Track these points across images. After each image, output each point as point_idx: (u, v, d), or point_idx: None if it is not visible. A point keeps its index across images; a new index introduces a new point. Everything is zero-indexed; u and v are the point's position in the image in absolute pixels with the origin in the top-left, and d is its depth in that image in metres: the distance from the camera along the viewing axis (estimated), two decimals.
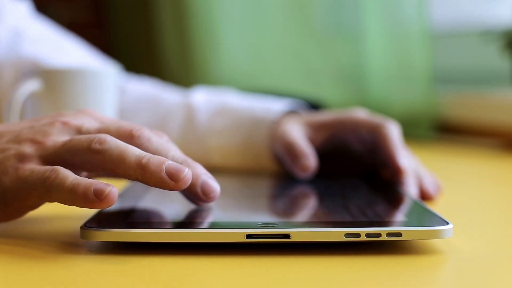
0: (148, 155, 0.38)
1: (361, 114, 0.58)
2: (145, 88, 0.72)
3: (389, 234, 0.35)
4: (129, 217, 0.39)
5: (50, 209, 0.46)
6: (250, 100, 0.67)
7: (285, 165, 0.59)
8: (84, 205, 0.36)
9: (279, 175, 0.61)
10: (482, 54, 1.08)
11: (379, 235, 0.35)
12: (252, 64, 1.29)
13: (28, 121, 0.42)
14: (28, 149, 0.39)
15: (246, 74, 1.28)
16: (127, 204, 0.43)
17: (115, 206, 0.42)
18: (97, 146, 0.38)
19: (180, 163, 0.39)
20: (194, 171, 0.39)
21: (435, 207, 0.48)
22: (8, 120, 0.59)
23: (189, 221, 0.39)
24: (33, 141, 0.39)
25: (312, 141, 0.58)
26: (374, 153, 0.56)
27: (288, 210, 0.46)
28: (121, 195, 0.45)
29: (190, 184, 0.38)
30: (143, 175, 0.37)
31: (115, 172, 0.38)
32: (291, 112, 0.64)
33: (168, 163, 0.37)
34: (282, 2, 1.22)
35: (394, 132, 0.55)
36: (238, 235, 0.35)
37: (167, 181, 0.37)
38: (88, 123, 0.41)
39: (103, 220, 0.38)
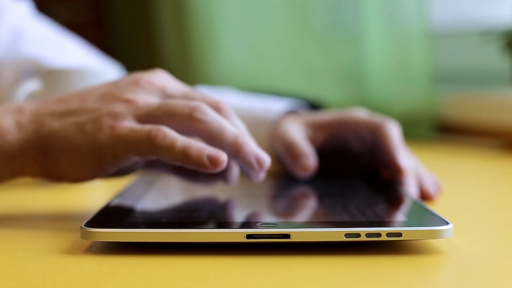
0: (243, 134, 0.41)
1: (361, 114, 0.58)
2: None
3: (389, 234, 0.35)
4: (129, 217, 0.39)
5: (50, 209, 0.46)
6: (250, 100, 0.67)
7: (285, 165, 0.59)
8: (195, 167, 0.39)
9: (279, 175, 0.60)
10: (482, 54, 1.08)
11: (379, 235, 0.35)
12: (252, 64, 1.29)
13: (107, 83, 0.43)
14: (120, 107, 0.40)
15: (246, 74, 1.28)
16: (127, 204, 0.43)
17: (115, 206, 0.42)
18: (198, 115, 0.40)
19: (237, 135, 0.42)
20: (250, 143, 0.42)
21: (435, 207, 0.48)
22: None
23: (189, 221, 0.39)
24: (124, 100, 0.40)
25: (312, 141, 0.58)
26: (374, 153, 0.56)
27: (288, 210, 0.46)
28: (121, 195, 0.45)
29: (247, 155, 0.41)
30: (237, 152, 0.41)
31: (210, 142, 0.40)
32: (291, 112, 0.64)
33: (257, 150, 0.41)
34: (282, 2, 1.22)
35: (394, 131, 0.55)
36: (238, 235, 0.35)
37: (254, 165, 0.41)
38: (171, 87, 0.43)
39: (103, 220, 0.38)
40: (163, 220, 0.39)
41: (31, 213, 0.45)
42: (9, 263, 0.35)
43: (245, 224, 0.37)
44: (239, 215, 0.43)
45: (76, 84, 0.60)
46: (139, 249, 0.36)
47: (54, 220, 0.44)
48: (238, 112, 0.64)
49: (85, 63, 0.70)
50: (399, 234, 0.35)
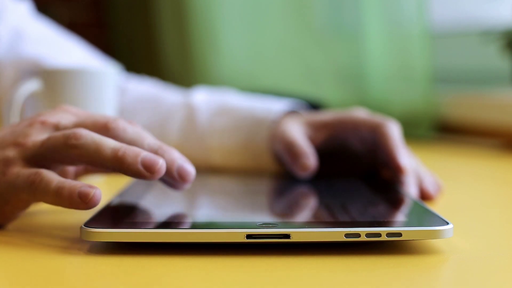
0: (124, 147, 0.39)
1: (361, 113, 0.58)
2: (145, 88, 0.72)
3: (389, 234, 0.35)
4: (129, 217, 0.39)
5: (50, 209, 0.46)
6: (250, 100, 0.67)
7: (285, 164, 0.59)
8: (70, 207, 0.38)
9: (279, 175, 0.61)
10: (482, 54, 1.08)
11: (379, 235, 0.35)
12: (252, 64, 1.29)
13: (10, 126, 0.44)
14: (11, 153, 0.40)
15: (246, 74, 1.28)
16: (127, 204, 0.43)
17: (115, 206, 0.42)
18: (73, 141, 0.39)
19: (156, 150, 0.41)
20: (169, 157, 0.41)
21: (435, 207, 0.48)
22: (8, 120, 0.59)
23: (189, 221, 0.39)
24: (15, 144, 0.41)
25: (312, 141, 0.58)
26: (374, 153, 0.56)
27: (288, 210, 0.46)
28: (121, 195, 0.45)
29: (167, 169, 0.40)
30: (120, 167, 0.39)
31: (93, 164, 0.40)
32: (292, 112, 0.64)
33: (144, 154, 0.39)
34: (282, 2, 1.22)
35: (394, 131, 0.55)
36: (238, 235, 0.35)
37: (143, 172, 0.39)
38: (65, 119, 0.42)
39: (103, 220, 0.38)
40: (163, 220, 0.39)
41: (31, 213, 0.45)
42: (9, 263, 0.35)
43: (245, 224, 0.37)
44: (239, 215, 0.43)
45: (76, 84, 0.60)
46: (139, 249, 0.36)
47: (54, 220, 0.44)
48: (239, 112, 0.65)
49: (85, 63, 0.70)
50: (399, 234, 0.35)
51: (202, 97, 0.68)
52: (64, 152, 0.39)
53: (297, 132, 0.58)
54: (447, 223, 0.36)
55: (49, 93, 0.60)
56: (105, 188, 0.56)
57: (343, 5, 1.18)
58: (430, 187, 0.53)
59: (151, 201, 0.44)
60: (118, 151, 0.39)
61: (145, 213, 0.41)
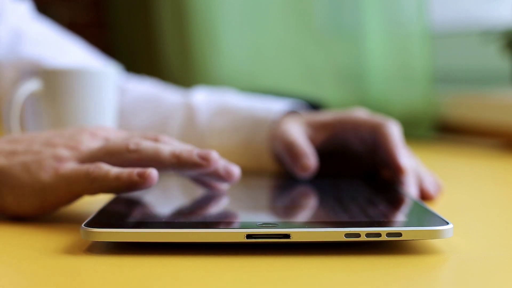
0: (179, 147, 0.44)
1: (361, 114, 0.58)
2: (145, 88, 0.72)
3: (389, 234, 0.35)
4: (129, 217, 0.39)
5: None
6: (250, 100, 0.67)
7: (285, 164, 0.59)
8: (129, 188, 0.41)
9: (279, 175, 0.60)
10: (482, 54, 1.08)
11: (379, 235, 0.35)
12: (252, 64, 1.29)
13: (53, 131, 0.47)
14: (64, 152, 0.43)
15: (246, 74, 1.28)
16: (127, 204, 0.43)
17: (115, 206, 0.42)
18: (133, 147, 0.43)
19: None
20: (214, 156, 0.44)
21: (435, 207, 0.48)
22: (8, 120, 0.59)
23: (189, 221, 0.39)
24: (68, 146, 0.44)
25: (313, 141, 0.58)
26: (374, 153, 0.56)
27: (288, 210, 0.46)
28: (121, 195, 0.45)
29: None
30: (179, 162, 0.43)
31: (153, 165, 0.43)
32: (292, 112, 0.64)
33: (196, 150, 0.44)
34: (282, 2, 1.22)
35: (394, 131, 0.55)
36: (238, 235, 0.35)
37: (201, 162, 0.43)
38: (114, 134, 0.47)
39: (103, 220, 0.38)
40: (163, 220, 0.39)
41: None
42: (9, 263, 0.35)
43: (245, 224, 0.37)
44: (239, 215, 0.43)
45: (76, 84, 0.60)
46: (139, 249, 0.36)
47: (54, 220, 0.44)
48: (239, 112, 0.65)
49: (85, 63, 0.70)
50: (399, 234, 0.35)
51: (202, 97, 0.68)
52: (125, 156, 0.43)
53: (297, 132, 0.58)
54: (447, 223, 0.36)
55: (49, 93, 0.60)
56: None
57: (343, 5, 1.18)
58: (430, 187, 0.53)
59: (151, 201, 0.44)
60: (174, 151, 0.43)
61: (145, 213, 0.41)
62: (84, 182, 0.41)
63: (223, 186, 0.47)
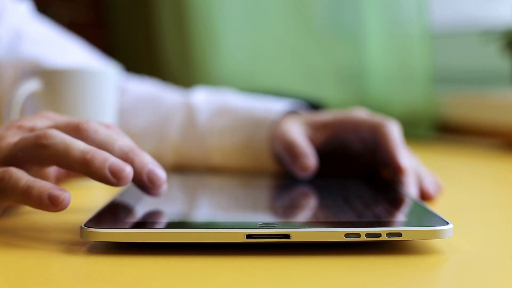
0: (93, 150, 0.39)
1: (361, 114, 0.58)
2: (145, 88, 0.72)
3: (389, 234, 0.35)
4: (129, 217, 0.39)
5: None
6: (250, 100, 0.67)
7: (285, 164, 0.59)
8: (38, 208, 0.38)
9: (279, 175, 0.61)
10: (482, 54, 1.08)
11: (379, 235, 0.35)
12: (252, 64, 1.29)
13: None
14: None
15: (246, 74, 1.28)
16: (127, 204, 0.43)
17: (115, 206, 0.42)
18: (43, 141, 0.39)
19: (127, 153, 0.40)
20: (140, 161, 0.40)
21: (435, 207, 0.48)
22: (8, 120, 0.59)
23: (189, 221, 0.39)
24: None
25: (312, 141, 0.58)
26: (374, 153, 0.56)
27: (288, 210, 0.46)
28: (121, 195, 0.45)
29: (137, 173, 0.40)
30: (87, 170, 0.39)
31: (61, 165, 0.39)
32: (292, 112, 0.64)
33: (112, 160, 0.39)
34: (282, 2, 1.22)
35: (394, 131, 0.55)
36: (238, 235, 0.35)
37: (109, 178, 0.39)
38: (41, 123, 0.43)
39: (103, 220, 0.38)
40: (163, 220, 0.39)
41: (30, 212, 0.45)
42: (9, 263, 0.34)
43: (245, 224, 0.37)
44: (239, 215, 0.43)
45: (76, 84, 0.60)
46: (139, 249, 0.36)
47: (54, 220, 0.44)
48: (239, 112, 0.65)
49: (85, 63, 0.70)
50: (399, 234, 0.35)
51: (202, 97, 0.68)
52: (34, 152, 0.39)
53: (297, 132, 0.58)
54: (447, 223, 0.36)
55: (49, 93, 0.60)
56: (105, 188, 0.56)
57: (343, 5, 1.18)
58: (430, 187, 0.53)
59: (151, 201, 0.44)
60: (87, 153, 0.39)
61: (145, 213, 0.41)
62: None
63: (154, 192, 0.42)
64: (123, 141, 0.41)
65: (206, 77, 1.31)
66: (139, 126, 0.67)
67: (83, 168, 0.39)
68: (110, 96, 0.62)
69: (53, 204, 0.37)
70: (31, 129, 0.42)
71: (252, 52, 1.29)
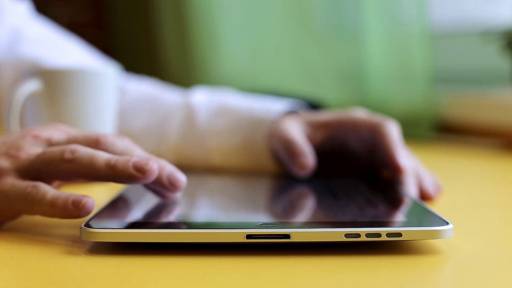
0: (116, 156, 0.41)
1: (360, 114, 0.58)
2: (145, 88, 0.72)
3: (389, 234, 0.35)
4: (129, 217, 0.39)
5: None
6: (250, 100, 0.67)
7: (283, 163, 0.59)
8: (64, 216, 0.39)
9: (279, 175, 0.60)
10: (482, 54, 1.08)
11: (379, 235, 0.35)
12: (252, 64, 1.29)
13: (0, 137, 0.44)
14: (4, 163, 0.41)
15: (246, 74, 1.28)
16: (127, 204, 0.43)
17: (115, 206, 0.42)
18: (69, 155, 0.41)
19: (146, 158, 0.42)
20: (160, 163, 0.42)
21: (435, 207, 0.48)
22: (8, 120, 0.59)
23: (189, 222, 0.39)
24: (8, 155, 0.42)
25: (311, 140, 0.58)
26: (373, 153, 0.56)
27: (288, 210, 0.46)
28: (121, 195, 0.45)
29: (157, 176, 0.41)
30: (113, 174, 0.40)
31: (87, 177, 0.41)
32: (291, 112, 0.64)
33: (134, 159, 0.41)
34: (282, 2, 1.22)
35: (393, 131, 0.55)
36: (238, 235, 0.35)
37: (136, 174, 0.40)
38: (57, 135, 0.44)
39: (103, 220, 0.38)
40: (163, 220, 0.39)
41: None
42: (9, 263, 0.35)
43: (245, 224, 0.37)
44: (239, 215, 0.43)
45: (75, 84, 0.60)
46: (139, 249, 0.36)
47: (54, 220, 0.44)
48: (238, 113, 0.65)
49: (84, 63, 0.70)
50: (399, 234, 0.35)
51: (201, 98, 0.68)
52: (60, 166, 0.41)
53: (296, 131, 0.58)
54: (447, 223, 0.36)
55: (48, 93, 0.60)
56: (105, 188, 0.56)
57: (343, 5, 1.18)
58: (429, 187, 0.53)
59: (151, 201, 0.44)
60: (110, 160, 0.40)
61: (145, 213, 0.41)
62: (22, 203, 0.40)
63: (173, 195, 0.44)
64: (140, 151, 0.44)
65: (206, 77, 1.31)
66: (139, 126, 0.67)
67: (109, 174, 0.40)
68: (109, 96, 0.62)
69: (77, 208, 0.39)
70: (48, 141, 0.43)
71: (252, 52, 1.29)
